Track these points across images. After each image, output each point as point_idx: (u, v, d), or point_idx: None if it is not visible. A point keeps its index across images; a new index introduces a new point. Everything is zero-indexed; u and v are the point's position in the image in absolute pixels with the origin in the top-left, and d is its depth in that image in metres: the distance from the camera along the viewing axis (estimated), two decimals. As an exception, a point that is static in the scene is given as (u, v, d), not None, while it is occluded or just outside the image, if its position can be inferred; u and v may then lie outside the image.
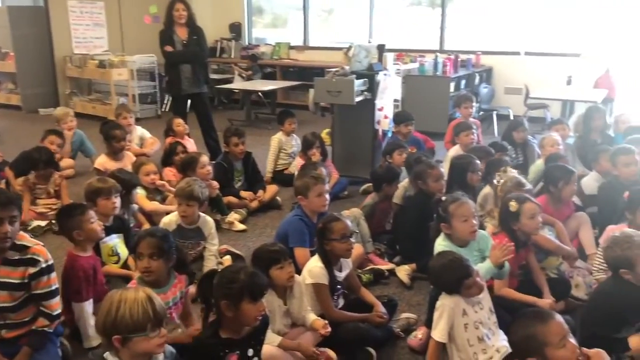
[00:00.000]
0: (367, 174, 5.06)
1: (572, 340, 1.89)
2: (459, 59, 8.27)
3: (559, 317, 1.92)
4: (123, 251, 3.43)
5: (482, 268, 2.65)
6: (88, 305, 2.79)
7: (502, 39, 8.92)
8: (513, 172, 3.53)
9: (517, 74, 8.60)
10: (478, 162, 3.96)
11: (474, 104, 5.94)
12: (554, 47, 8.44)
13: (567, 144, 5.02)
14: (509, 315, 2.58)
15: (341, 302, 2.98)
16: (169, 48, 5.84)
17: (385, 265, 3.72)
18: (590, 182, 4.19)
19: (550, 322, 1.88)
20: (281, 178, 5.43)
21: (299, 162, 5.24)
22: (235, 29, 11.05)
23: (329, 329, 2.64)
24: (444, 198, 3.05)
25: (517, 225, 2.94)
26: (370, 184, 5.09)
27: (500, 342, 2.49)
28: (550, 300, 2.92)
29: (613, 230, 2.94)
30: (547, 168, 3.95)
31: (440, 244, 2.96)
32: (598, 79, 7.78)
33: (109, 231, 3.30)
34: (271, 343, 2.44)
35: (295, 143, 5.70)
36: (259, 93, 9.58)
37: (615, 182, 3.91)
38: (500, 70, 8.99)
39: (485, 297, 2.55)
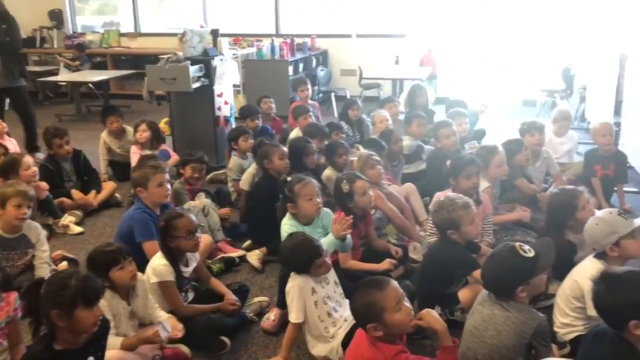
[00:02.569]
0: (211, 161, 4.95)
1: (407, 303, 2.02)
2: (295, 43, 8.42)
3: (394, 283, 2.05)
4: None
5: (326, 242, 2.74)
6: None
7: (335, 23, 9.22)
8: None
9: (350, 56, 8.96)
10: (312, 145, 4.07)
11: (309, 86, 6.08)
12: (382, 29, 8.92)
13: (399, 120, 5.35)
14: (354, 284, 2.69)
15: (191, 295, 2.91)
16: (-27, 38, 5.22)
17: (235, 253, 3.69)
18: (406, 142, 4.63)
19: (386, 288, 1.99)
20: (122, 170, 5.10)
21: (133, 151, 4.95)
22: (56, 17, 10.19)
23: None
24: (289, 179, 3.13)
25: (352, 203, 3.09)
26: (218, 172, 5.13)
27: (348, 311, 2.59)
28: (389, 262, 3.07)
29: (439, 196, 3.19)
30: (364, 143, 4.28)
31: (286, 223, 3.04)
32: (422, 58, 8.41)
33: None
34: (113, 347, 2.30)
35: (128, 139, 5.30)
36: (89, 84, 8.95)
37: (439, 153, 4.29)
38: (335, 53, 9.32)
39: (330, 272, 2.63)
